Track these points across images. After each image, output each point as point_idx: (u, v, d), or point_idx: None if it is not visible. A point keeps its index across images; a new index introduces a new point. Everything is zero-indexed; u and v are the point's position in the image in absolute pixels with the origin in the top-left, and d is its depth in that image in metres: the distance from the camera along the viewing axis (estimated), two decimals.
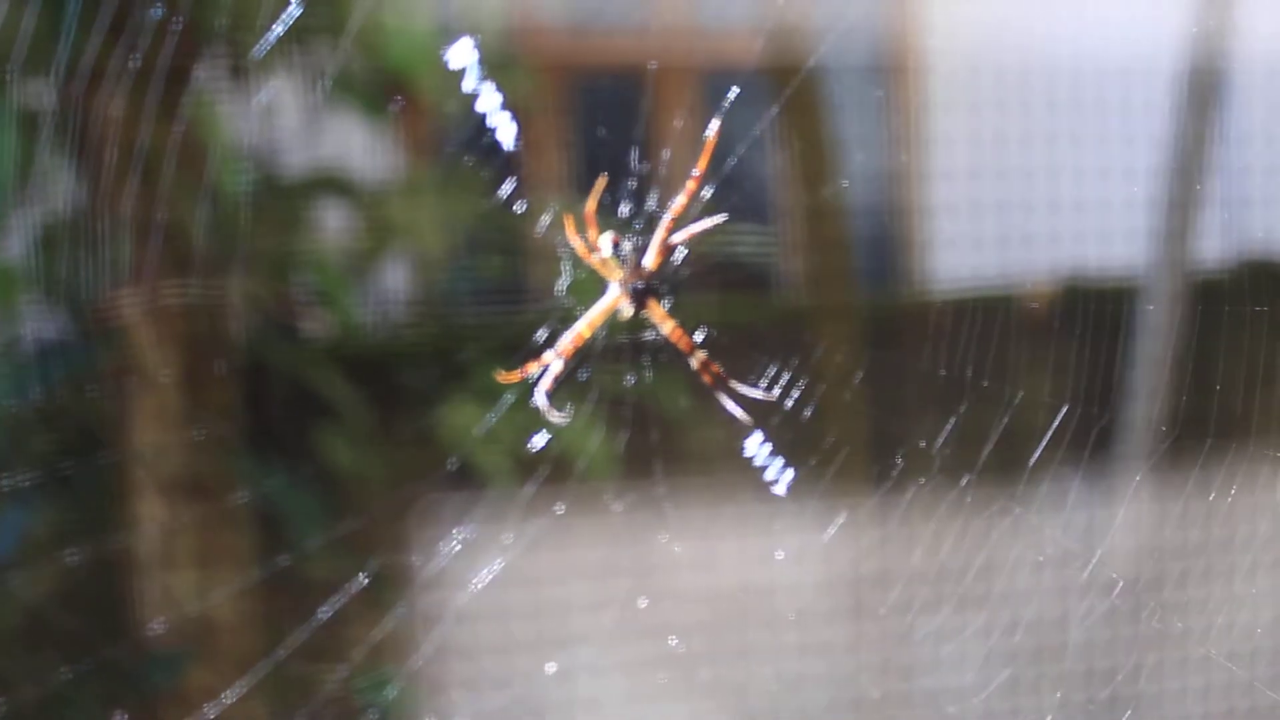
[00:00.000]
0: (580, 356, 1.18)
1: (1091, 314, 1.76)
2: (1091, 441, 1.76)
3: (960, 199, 3.99)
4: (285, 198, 1.44)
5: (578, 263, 1.22)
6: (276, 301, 1.39)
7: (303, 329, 1.72)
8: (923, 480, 1.74)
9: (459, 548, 1.61)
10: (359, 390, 1.42)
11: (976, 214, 4.00)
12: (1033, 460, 1.73)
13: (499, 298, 2.24)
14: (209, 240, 1.16)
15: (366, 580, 1.33)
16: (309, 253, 1.31)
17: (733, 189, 1.26)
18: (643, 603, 1.69)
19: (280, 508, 1.23)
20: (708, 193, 1.14)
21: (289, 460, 1.39)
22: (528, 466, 1.63)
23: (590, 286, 1.33)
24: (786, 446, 1.34)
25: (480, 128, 1.18)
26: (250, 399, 1.33)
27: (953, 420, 1.74)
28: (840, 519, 1.49)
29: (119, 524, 1.26)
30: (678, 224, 1.10)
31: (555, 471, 1.55)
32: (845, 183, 1.37)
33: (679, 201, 1.10)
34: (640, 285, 1.13)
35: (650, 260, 1.14)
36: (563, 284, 1.41)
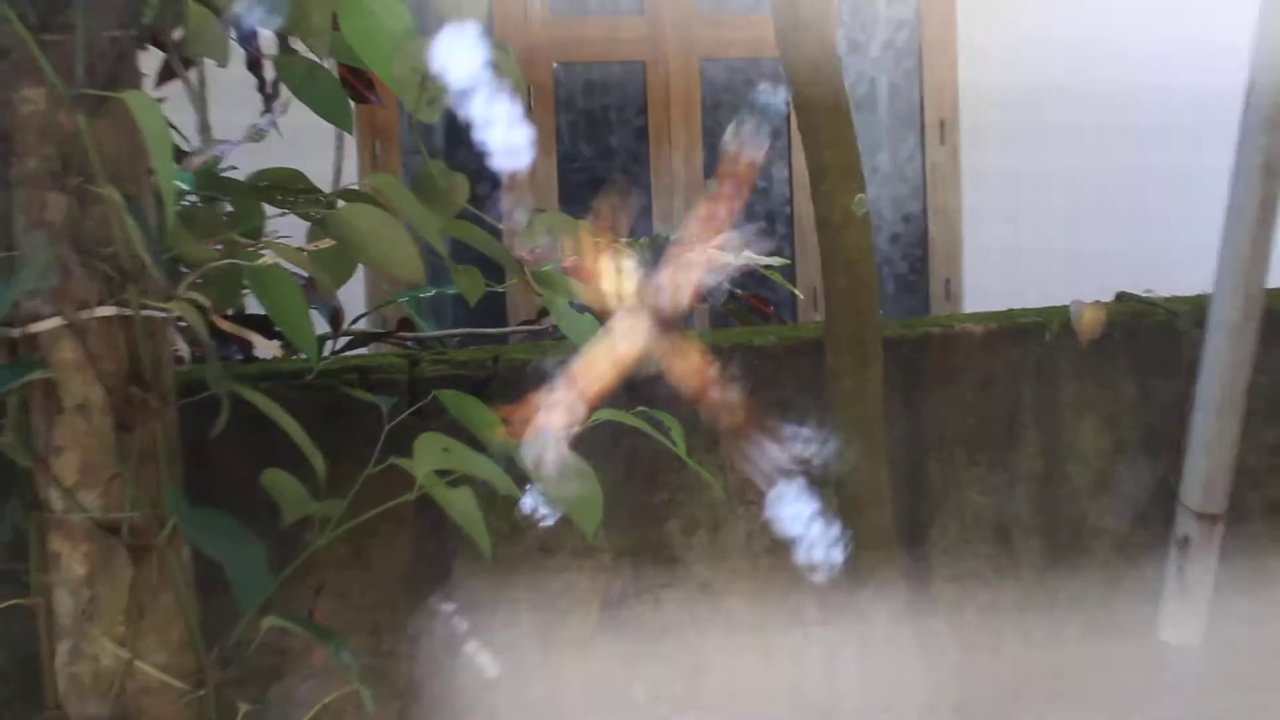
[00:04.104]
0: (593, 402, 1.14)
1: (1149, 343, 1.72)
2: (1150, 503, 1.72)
3: (998, 209, 3.96)
4: (235, 205, 1.41)
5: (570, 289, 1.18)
6: (222, 322, 1.35)
7: (253, 354, 1.69)
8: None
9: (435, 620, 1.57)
10: (317, 424, 1.38)
11: (1015, 225, 3.96)
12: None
13: (479, 322, 2.20)
14: (146, 251, 1.13)
15: (323, 647, 1.28)
16: (261, 267, 1.27)
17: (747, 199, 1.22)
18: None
19: (222, 564, 1.18)
20: (721, 207, 1.11)
21: (234, 507, 1.36)
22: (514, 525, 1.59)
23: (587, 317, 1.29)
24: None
25: (457, 129, 1.15)
26: (190, 434, 1.29)
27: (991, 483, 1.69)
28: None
29: (33, 578, 1.22)
30: (691, 246, 1.07)
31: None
32: (862, 196, 1.34)
33: (694, 220, 1.07)
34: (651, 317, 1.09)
35: (663, 291, 1.10)
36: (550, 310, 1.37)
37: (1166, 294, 1.81)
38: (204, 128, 1.65)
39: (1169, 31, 3.68)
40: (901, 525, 1.64)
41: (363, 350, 1.92)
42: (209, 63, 1.24)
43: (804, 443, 1.50)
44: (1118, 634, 1.75)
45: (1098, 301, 1.75)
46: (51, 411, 1.19)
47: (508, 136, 1.18)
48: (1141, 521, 1.74)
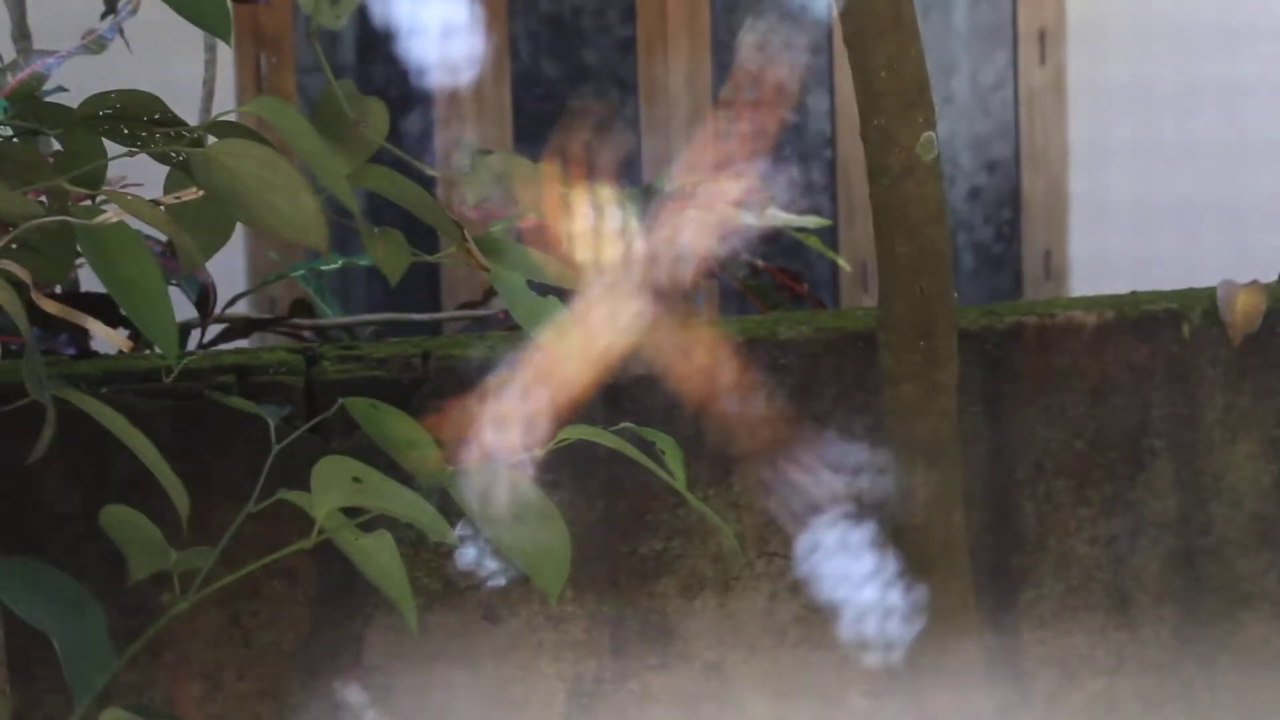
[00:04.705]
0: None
1: None
2: None
3: (1118, 153, 3.97)
4: (65, 141, 1.41)
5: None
6: (47, 302, 1.35)
7: (90, 347, 1.69)
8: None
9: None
10: (178, 444, 1.38)
11: (1142, 176, 3.98)
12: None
13: (403, 306, 2.21)
14: None
15: None
16: (101, 228, 1.27)
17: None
18: None
19: (46, 636, 1.18)
20: (737, 147, 1.11)
21: (64, 558, 1.36)
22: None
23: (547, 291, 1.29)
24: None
25: (373, 40, 1.14)
26: (2, 456, 1.30)
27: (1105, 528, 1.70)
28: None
29: None
30: (695, 200, 1.08)
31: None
32: (931, 134, 1.36)
33: (699, 164, 1.07)
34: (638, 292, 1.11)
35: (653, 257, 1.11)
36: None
37: None
38: (21, 34, 1.64)
39: None
40: (982, 586, 1.64)
41: (243, 343, 1.93)
42: None
43: (849, 472, 1.51)
44: None
45: (1256, 281, 1.76)
46: None
47: (443, 49, 1.18)
48: None
